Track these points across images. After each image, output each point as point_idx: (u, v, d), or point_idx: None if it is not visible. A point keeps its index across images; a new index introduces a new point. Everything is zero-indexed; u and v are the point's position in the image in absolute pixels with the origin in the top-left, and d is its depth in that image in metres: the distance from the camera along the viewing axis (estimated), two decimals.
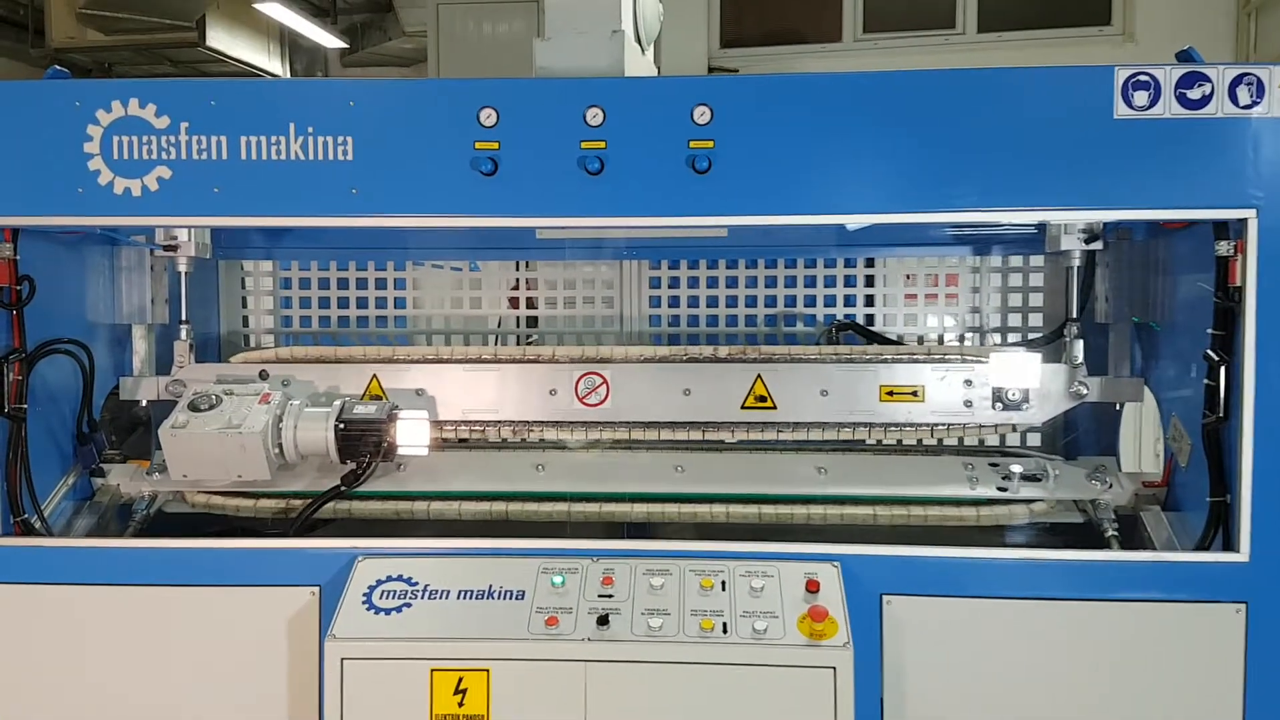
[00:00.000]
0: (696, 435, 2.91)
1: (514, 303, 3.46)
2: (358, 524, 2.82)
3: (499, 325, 3.53)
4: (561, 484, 2.84)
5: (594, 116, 2.37)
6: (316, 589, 2.44)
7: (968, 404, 2.85)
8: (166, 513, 2.93)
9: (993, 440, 3.14)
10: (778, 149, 2.34)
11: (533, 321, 3.49)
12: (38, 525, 2.64)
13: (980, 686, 2.36)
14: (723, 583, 2.33)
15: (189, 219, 2.57)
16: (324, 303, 3.42)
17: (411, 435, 2.75)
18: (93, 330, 2.94)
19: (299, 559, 2.50)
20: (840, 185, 2.36)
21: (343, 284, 3.42)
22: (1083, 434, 3.14)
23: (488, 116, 2.39)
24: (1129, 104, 2.30)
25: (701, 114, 2.35)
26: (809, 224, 2.37)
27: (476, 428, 2.96)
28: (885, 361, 2.88)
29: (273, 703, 2.43)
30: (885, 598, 2.36)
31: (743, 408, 2.90)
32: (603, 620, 2.23)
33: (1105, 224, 2.71)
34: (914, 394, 2.86)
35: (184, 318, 3.01)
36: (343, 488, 2.75)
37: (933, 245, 3.23)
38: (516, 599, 2.31)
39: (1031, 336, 3.22)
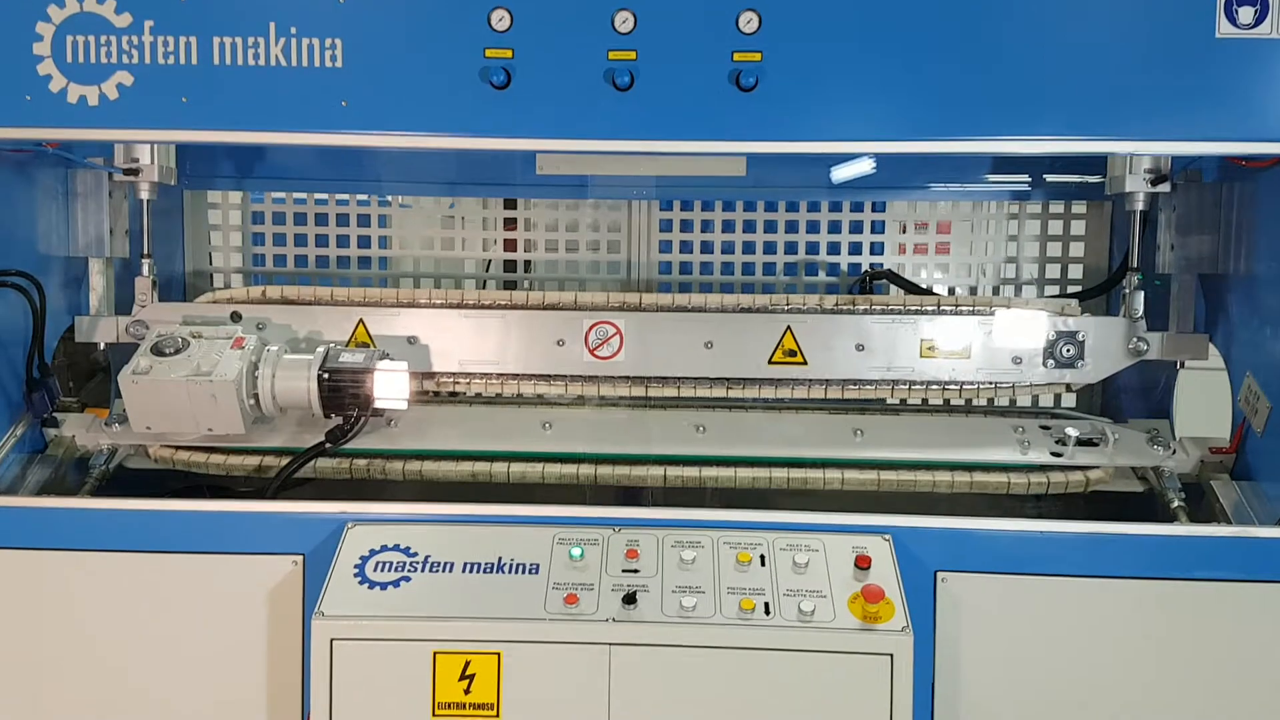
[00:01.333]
0: (719, 392, 2.65)
1: (510, 245, 3.18)
2: (343, 485, 2.53)
3: (488, 268, 3.26)
4: (570, 444, 2.56)
5: (623, 22, 2.06)
6: (300, 558, 2.15)
7: (1016, 361, 2.60)
8: (128, 468, 2.62)
9: (1025, 400, 2.92)
10: (836, 64, 2.05)
11: (529, 266, 3.21)
12: None
13: (1043, 673, 2.12)
14: (761, 557, 2.07)
15: (153, 132, 2.24)
16: (300, 240, 3.14)
17: (389, 388, 2.47)
18: (45, 263, 2.63)
19: (279, 524, 2.21)
20: (902, 109, 2.08)
21: (321, 219, 3.14)
22: (1124, 395, 2.93)
23: (500, 19, 2.08)
24: (1233, 20, 2.03)
25: (748, 21, 2.05)
26: (869, 152, 2.08)
27: (475, 380, 2.67)
28: (927, 313, 2.62)
29: (250, 685, 2.15)
30: (940, 575, 2.11)
31: (770, 363, 2.64)
32: (629, 599, 1.96)
33: (1179, 161, 2.47)
34: (959, 349, 2.60)
35: (146, 251, 2.72)
36: (327, 445, 2.46)
37: (967, 188, 3.00)
38: (530, 573, 2.04)
39: (1073, 289, 2.99)
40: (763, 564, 2.05)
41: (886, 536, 2.10)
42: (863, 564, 2.03)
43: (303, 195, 3.14)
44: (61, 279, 2.70)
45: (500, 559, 2.07)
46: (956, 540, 2.14)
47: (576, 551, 2.07)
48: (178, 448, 2.56)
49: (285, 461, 2.47)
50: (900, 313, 2.61)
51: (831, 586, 2.00)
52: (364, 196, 3.14)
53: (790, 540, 2.10)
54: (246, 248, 3.17)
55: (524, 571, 2.04)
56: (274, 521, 2.21)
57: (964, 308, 2.61)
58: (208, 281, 3.16)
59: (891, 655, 1.91)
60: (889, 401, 2.72)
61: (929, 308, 2.62)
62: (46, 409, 2.59)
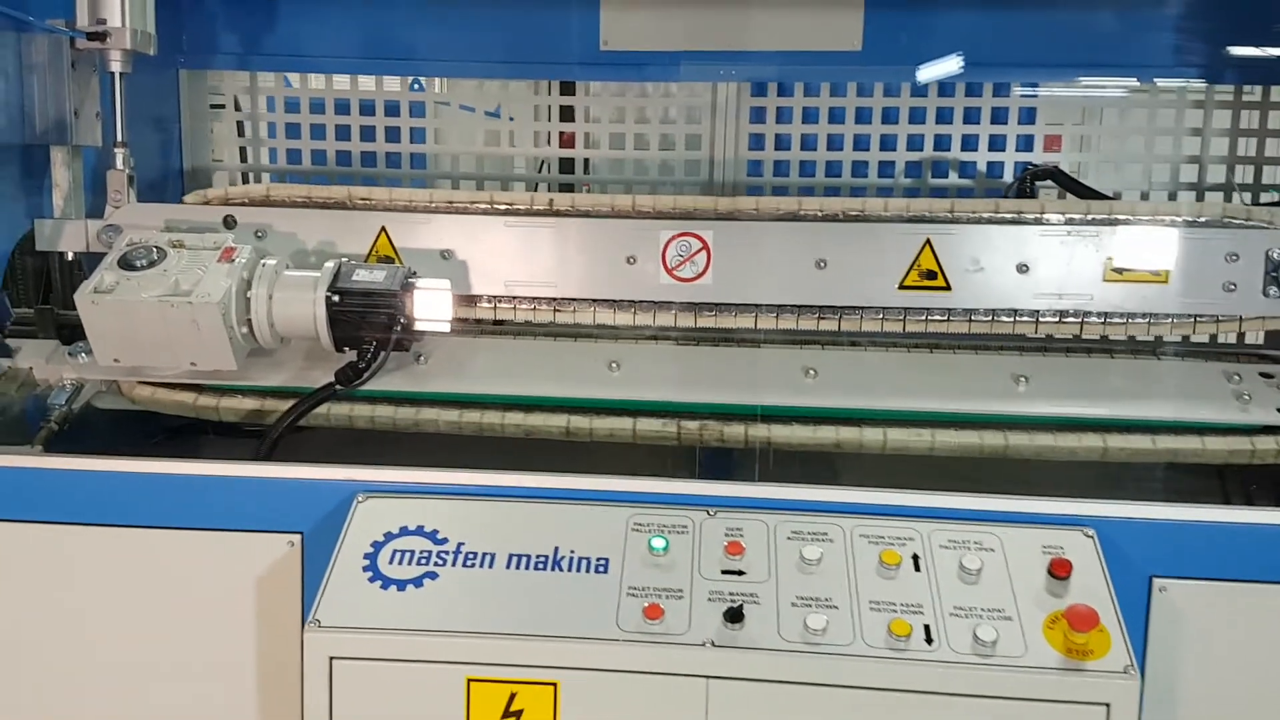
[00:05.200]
0: (834, 325, 2.07)
1: (567, 141, 2.61)
2: (358, 440, 2.01)
3: (545, 170, 2.72)
4: (643, 390, 2.01)
5: None
6: (297, 538, 1.65)
7: (1229, 288, 1.99)
8: (97, 409, 2.12)
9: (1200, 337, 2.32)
10: None
11: (589, 167, 2.66)
12: None
13: None
14: (914, 557, 1.51)
15: None
16: (317, 132, 2.64)
17: (430, 308, 1.97)
18: None
19: (272, 493, 1.69)
20: None
21: (342, 107, 2.60)
22: None
23: None
24: None
25: None
26: None
27: (524, 306, 2.12)
28: (1113, 224, 2.01)
29: (237, 698, 1.67)
30: (1157, 582, 1.54)
31: (901, 287, 2.06)
32: (734, 615, 1.42)
33: None
34: (1156, 271, 2.00)
35: (120, 139, 2.18)
36: (338, 386, 1.94)
37: (1139, 68, 2.43)
38: (597, 571, 1.51)
39: (1266, 200, 2.39)
40: (916, 567, 1.50)
41: (1089, 531, 1.53)
42: (1060, 571, 1.46)
43: (321, 79, 2.61)
44: (17, 171, 2.19)
45: (557, 550, 1.54)
46: (1181, 535, 1.57)
47: (659, 543, 1.53)
48: (158, 384, 2.05)
49: (289, 406, 1.96)
50: (1078, 223, 2.00)
51: (1018, 603, 1.45)
52: (393, 85, 2.59)
53: (952, 534, 1.54)
54: (256, 141, 2.70)
55: (588, 569, 1.51)
56: (265, 490, 1.70)
57: (1164, 216, 2.00)
58: (210, 181, 2.65)
59: (1108, 706, 1.36)
60: (1057, 338, 2.12)
61: (1116, 217, 2.01)
62: None
